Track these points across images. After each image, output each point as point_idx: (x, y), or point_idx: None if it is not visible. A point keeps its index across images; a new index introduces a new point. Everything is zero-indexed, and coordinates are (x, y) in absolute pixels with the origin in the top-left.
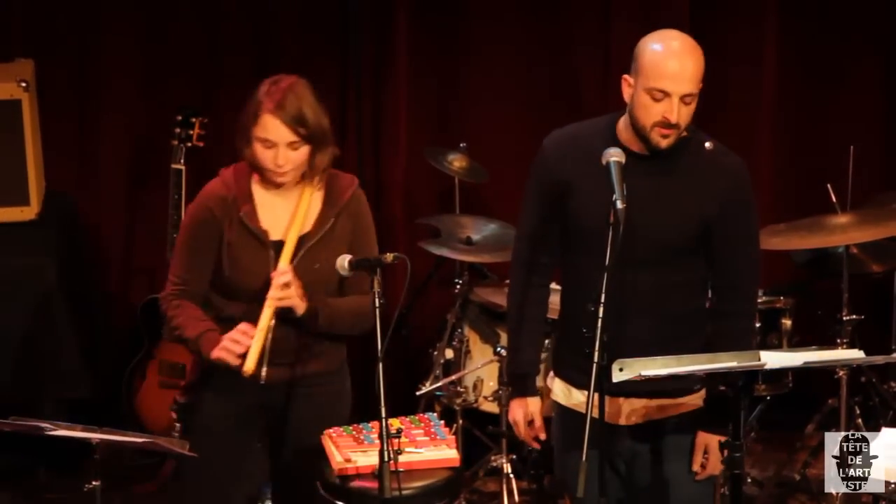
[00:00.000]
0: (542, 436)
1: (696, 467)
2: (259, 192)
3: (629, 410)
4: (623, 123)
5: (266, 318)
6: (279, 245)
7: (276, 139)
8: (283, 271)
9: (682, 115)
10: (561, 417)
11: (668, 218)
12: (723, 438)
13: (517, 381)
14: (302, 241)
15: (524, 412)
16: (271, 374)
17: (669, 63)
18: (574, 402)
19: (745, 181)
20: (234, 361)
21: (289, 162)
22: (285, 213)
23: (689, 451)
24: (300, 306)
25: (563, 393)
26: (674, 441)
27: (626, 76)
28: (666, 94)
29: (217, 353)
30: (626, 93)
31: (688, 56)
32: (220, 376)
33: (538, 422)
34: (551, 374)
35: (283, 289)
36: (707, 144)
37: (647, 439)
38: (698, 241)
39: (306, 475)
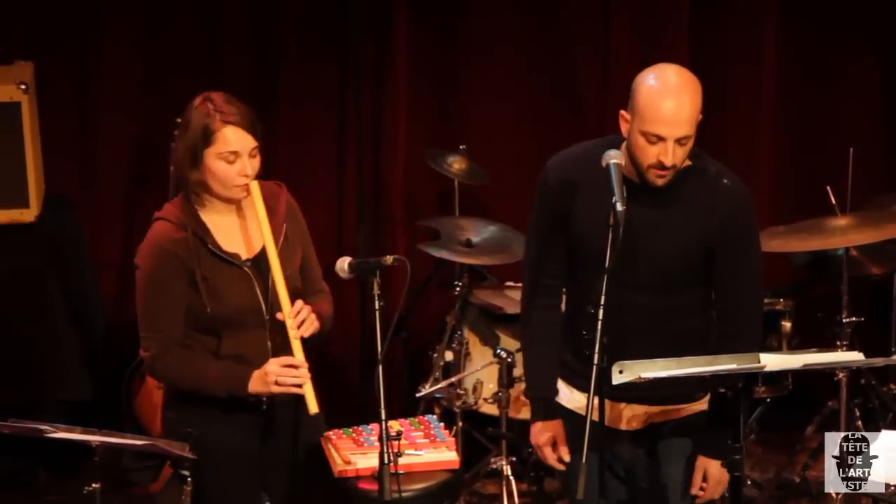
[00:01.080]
0: (567, 457)
1: (694, 491)
2: (209, 219)
3: (630, 415)
4: (624, 150)
5: (300, 353)
6: (253, 262)
7: (241, 148)
8: (298, 309)
9: (677, 156)
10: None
11: (670, 245)
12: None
13: (537, 404)
14: (266, 253)
15: (547, 436)
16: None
17: (664, 106)
18: (575, 405)
19: (747, 204)
20: (300, 391)
21: (253, 170)
22: (238, 231)
23: (688, 456)
24: (318, 327)
25: (565, 394)
26: (674, 445)
27: (622, 112)
28: (661, 139)
29: (272, 389)
30: (623, 128)
31: (684, 95)
32: (218, 414)
33: (561, 443)
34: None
35: (302, 323)
36: (711, 169)
37: (648, 444)
38: (701, 264)
39: (296, 488)
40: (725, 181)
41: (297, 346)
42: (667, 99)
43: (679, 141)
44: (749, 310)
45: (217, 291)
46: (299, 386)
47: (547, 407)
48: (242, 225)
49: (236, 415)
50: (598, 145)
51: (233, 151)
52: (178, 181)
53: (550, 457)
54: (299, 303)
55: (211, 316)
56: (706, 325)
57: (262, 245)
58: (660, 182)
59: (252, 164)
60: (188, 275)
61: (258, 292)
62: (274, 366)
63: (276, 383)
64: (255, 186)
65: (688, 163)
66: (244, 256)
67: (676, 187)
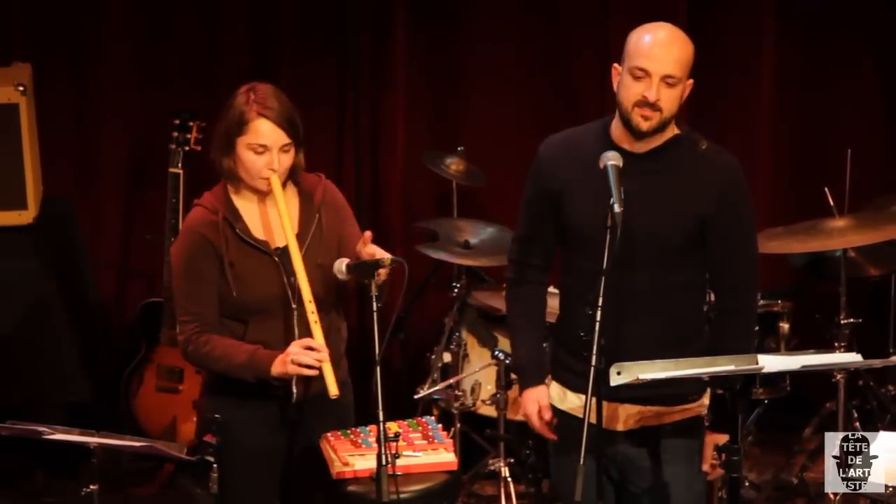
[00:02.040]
0: (548, 417)
1: (705, 467)
2: (243, 206)
3: (624, 416)
4: (616, 122)
5: (320, 337)
6: (283, 251)
7: (271, 143)
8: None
9: (663, 96)
10: (556, 421)
11: (664, 216)
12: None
13: (521, 373)
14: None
15: (534, 403)
16: (301, 388)
17: (651, 44)
18: (569, 406)
19: (739, 178)
20: (313, 373)
21: (281, 166)
22: (270, 219)
23: (683, 455)
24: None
25: (559, 396)
26: (669, 445)
27: (615, 65)
28: (646, 73)
29: (288, 369)
30: (615, 81)
31: (672, 41)
32: (248, 404)
33: (545, 409)
34: (549, 377)
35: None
36: (702, 144)
37: (642, 444)
38: (695, 239)
39: (319, 485)
40: (717, 156)
41: (316, 331)
42: (655, 39)
43: (665, 80)
44: (744, 284)
45: (243, 277)
46: (317, 367)
47: (531, 373)
48: (276, 213)
49: (266, 405)
50: (588, 126)
51: (262, 144)
52: (213, 164)
53: (541, 426)
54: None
55: (237, 301)
56: (704, 312)
57: (294, 234)
58: (644, 126)
59: (281, 160)
60: (218, 258)
61: (286, 281)
62: (294, 346)
63: (293, 362)
64: (275, 180)
65: (677, 131)
66: (274, 244)
67: (669, 156)
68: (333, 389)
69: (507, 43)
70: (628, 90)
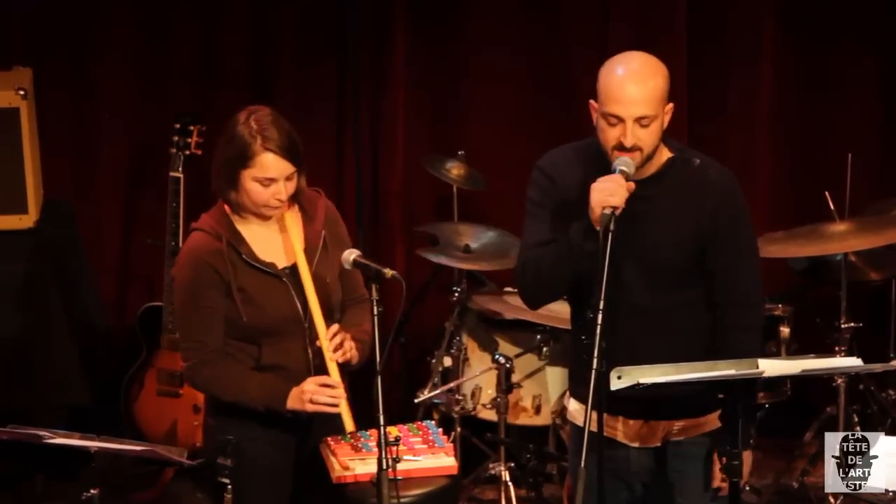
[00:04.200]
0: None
1: (716, 483)
2: (245, 229)
3: (648, 433)
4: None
5: (336, 374)
6: (290, 271)
7: (278, 175)
8: (333, 332)
9: (640, 137)
10: (574, 434)
11: (665, 239)
12: (746, 452)
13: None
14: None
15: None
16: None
17: (620, 87)
18: (575, 407)
19: (734, 193)
20: (334, 410)
21: (287, 193)
22: (274, 240)
23: (703, 467)
24: (356, 356)
25: (577, 411)
26: (691, 458)
27: (591, 101)
28: (619, 119)
29: (306, 407)
30: (594, 118)
31: (640, 76)
32: (257, 423)
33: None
34: (567, 393)
35: (339, 347)
36: (695, 161)
37: (666, 459)
38: (697, 258)
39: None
40: (711, 172)
41: (332, 367)
42: (623, 79)
43: (639, 121)
44: (747, 300)
45: (254, 301)
46: (334, 406)
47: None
48: (279, 233)
49: (275, 427)
50: (585, 143)
51: (269, 178)
52: (215, 192)
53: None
54: (335, 327)
55: (247, 325)
56: (711, 327)
57: (304, 257)
58: None
59: (287, 188)
60: (224, 285)
61: (296, 300)
62: (311, 384)
63: (311, 401)
64: (288, 217)
65: (671, 154)
66: (281, 265)
67: (664, 178)
68: (349, 426)
69: (508, 46)
70: (605, 135)
